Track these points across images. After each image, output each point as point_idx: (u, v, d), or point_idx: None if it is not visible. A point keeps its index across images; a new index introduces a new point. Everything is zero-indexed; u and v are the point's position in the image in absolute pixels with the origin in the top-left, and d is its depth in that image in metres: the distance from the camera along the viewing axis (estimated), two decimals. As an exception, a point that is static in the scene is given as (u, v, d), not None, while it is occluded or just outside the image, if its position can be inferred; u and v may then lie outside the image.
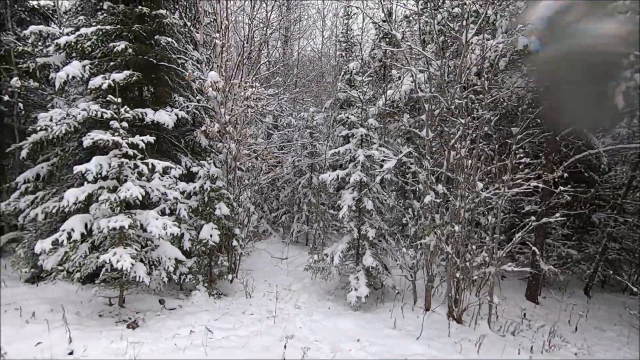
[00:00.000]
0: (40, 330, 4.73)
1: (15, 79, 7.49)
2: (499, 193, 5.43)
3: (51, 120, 6.85)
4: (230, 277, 7.22)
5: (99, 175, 5.45)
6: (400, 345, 4.96)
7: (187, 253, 6.61)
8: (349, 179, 6.87)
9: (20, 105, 9.13)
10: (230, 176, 7.18)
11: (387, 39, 12.74)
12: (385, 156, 6.10)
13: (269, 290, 7.24)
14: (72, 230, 5.22)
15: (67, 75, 6.88)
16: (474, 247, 5.56)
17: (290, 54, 17.99)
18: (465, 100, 5.58)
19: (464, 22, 5.51)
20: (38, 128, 6.79)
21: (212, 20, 8.32)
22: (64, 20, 9.80)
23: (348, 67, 12.91)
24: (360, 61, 12.63)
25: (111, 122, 5.53)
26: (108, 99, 5.63)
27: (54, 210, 6.76)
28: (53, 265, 5.32)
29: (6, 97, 6.77)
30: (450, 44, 8.41)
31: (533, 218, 5.44)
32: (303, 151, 11.61)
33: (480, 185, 5.43)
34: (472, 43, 5.76)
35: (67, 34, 7.69)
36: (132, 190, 5.26)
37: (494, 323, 5.95)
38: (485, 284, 6.03)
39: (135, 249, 5.38)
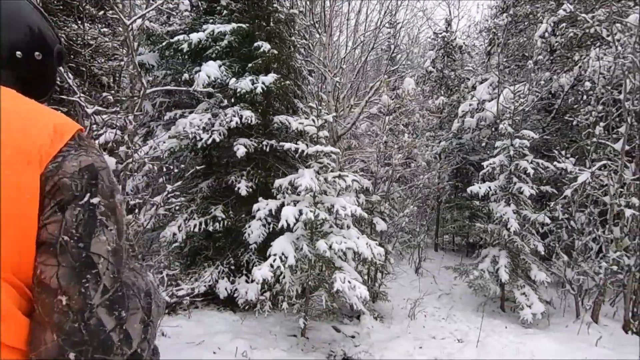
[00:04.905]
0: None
1: None
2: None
3: (191, 125, 6.03)
4: (383, 297, 6.74)
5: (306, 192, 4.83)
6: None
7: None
8: (502, 190, 6.72)
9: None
10: (384, 188, 6.75)
11: (447, 49, 12.73)
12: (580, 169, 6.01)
13: (418, 308, 6.85)
14: (283, 254, 4.56)
15: (209, 77, 6.12)
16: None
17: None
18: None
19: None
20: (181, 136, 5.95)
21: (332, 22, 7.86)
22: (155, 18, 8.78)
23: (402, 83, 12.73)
24: (422, 74, 12.04)
25: (313, 133, 4.96)
26: (314, 108, 5.04)
27: (201, 230, 5.95)
28: (255, 295, 4.61)
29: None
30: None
31: None
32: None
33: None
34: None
35: (184, 32, 6.86)
36: (349, 208, 4.71)
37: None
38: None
39: (348, 273, 4.82)
